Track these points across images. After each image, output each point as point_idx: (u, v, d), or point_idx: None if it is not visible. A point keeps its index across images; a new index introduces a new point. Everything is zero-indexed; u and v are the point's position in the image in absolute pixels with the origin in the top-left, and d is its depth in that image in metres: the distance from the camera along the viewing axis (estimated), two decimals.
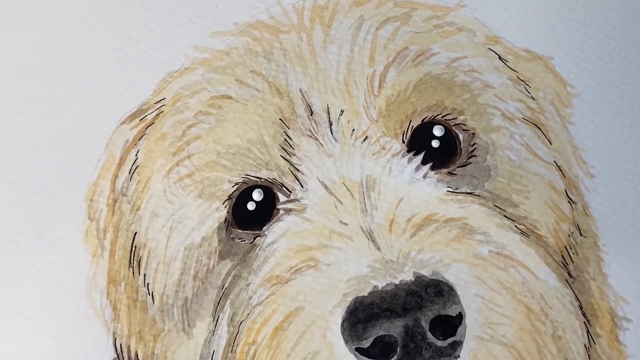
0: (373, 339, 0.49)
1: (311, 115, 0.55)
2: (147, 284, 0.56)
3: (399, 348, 0.49)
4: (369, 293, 0.50)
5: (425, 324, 0.49)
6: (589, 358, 0.55)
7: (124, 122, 0.58)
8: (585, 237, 0.57)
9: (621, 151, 0.60)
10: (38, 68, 0.62)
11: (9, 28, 0.63)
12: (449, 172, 0.55)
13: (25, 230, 0.59)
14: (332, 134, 0.55)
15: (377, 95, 0.55)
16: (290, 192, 0.54)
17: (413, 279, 0.50)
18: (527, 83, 0.58)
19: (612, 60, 0.61)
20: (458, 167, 0.55)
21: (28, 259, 0.59)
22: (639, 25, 0.62)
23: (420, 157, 0.54)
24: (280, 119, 0.55)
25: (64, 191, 0.59)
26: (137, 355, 0.57)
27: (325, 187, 0.53)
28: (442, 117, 0.55)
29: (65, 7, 0.63)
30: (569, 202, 0.57)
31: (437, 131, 0.55)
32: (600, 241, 0.57)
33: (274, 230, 0.54)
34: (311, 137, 0.55)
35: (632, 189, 0.59)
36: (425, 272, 0.50)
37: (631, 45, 0.62)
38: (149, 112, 0.58)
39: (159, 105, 0.57)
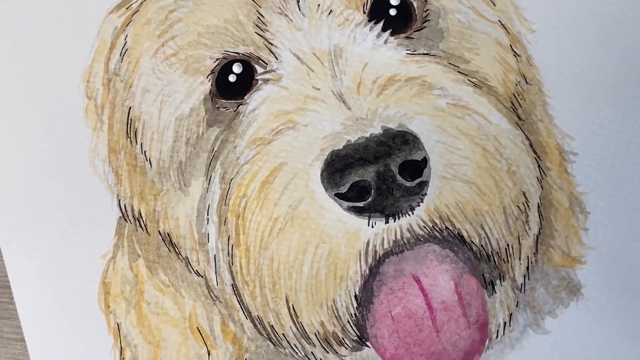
0: (350, 184, 0.53)
1: None
2: (144, 151, 0.61)
3: (372, 190, 0.54)
4: (344, 146, 0.54)
5: (394, 169, 0.54)
6: (542, 188, 0.60)
7: (112, 12, 0.62)
8: (531, 84, 0.61)
9: (557, 6, 0.63)
10: None
11: None
12: (406, 37, 0.59)
13: (30, 111, 0.63)
14: (300, 10, 0.58)
15: None
16: (267, 64, 0.58)
17: (381, 132, 0.55)
18: None
19: None
20: (414, 31, 0.59)
21: (33, 134, 0.63)
22: None
23: (380, 25, 0.58)
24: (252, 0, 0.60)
25: (64, 75, 0.62)
26: (140, 213, 0.62)
27: (298, 57, 0.57)
28: None
29: None
30: (514, 55, 0.60)
31: (394, 0, 0.59)
32: (544, 87, 0.61)
33: (254, 99, 0.58)
34: (281, 14, 0.58)
35: (570, 38, 0.62)
36: (392, 125, 0.55)
37: None
38: (134, 1, 0.61)
39: None
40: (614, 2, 0.64)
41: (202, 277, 0.61)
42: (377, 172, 0.54)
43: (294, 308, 0.57)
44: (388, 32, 0.58)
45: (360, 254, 0.55)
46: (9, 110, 0.64)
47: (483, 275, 0.58)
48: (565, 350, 0.63)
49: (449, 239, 0.56)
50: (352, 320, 0.56)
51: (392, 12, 0.59)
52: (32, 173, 0.64)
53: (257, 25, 0.59)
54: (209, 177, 0.60)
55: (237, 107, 0.59)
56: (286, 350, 0.60)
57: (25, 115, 0.64)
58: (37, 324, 0.63)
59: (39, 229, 0.63)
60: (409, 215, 0.55)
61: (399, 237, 0.55)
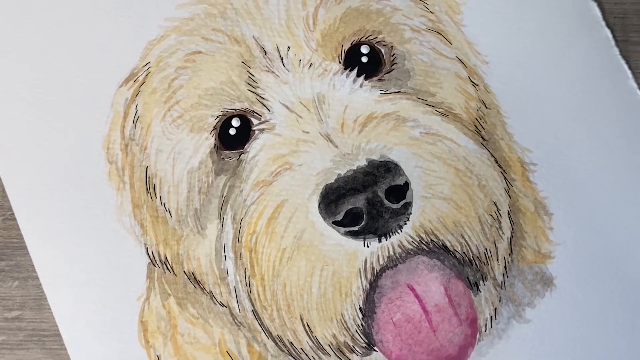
0: (344, 212, 0.58)
1: (265, 55, 0.63)
2: (164, 203, 0.65)
3: (364, 215, 0.58)
4: (335, 180, 0.59)
5: (381, 194, 0.58)
6: (510, 197, 0.64)
7: (121, 85, 0.66)
8: (490, 109, 0.66)
9: (506, 39, 0.68)
10: (49, 52, 0.69)
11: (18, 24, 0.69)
12: (378, 79, 0.64)
13: (59, 180, 0.67)
14: (284, 66, 0.63)
15: (313, 31, 0.63)
16: (260, 115, 0.62)
17: (366, 163, 0.59)
18: (424, 2, 0.67)
19: None
20: (385, 74, 0.64)
21: (64, 199, 0.67)
22: None
23: (355, 71, 0.62)
24: (242, 62, 0.63)
25: (86, 144, 0.67)
26: (166, 257, 0.66)
27: (287, 107, 0.62)
28: (365, 38, 0.64)
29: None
30: (472, 85, 0.65)
31: (364, 49, 0.63)
32: (502, 110, 0.66)
33: (253, 147, 0.62)
34: (269, 71, 0.63)
35: (519, 66, 0.67)
36: (375, 157, 0.59)
37: None
38: (140, 74, 0.66)
39: (146, 68, 0.65)
40: (557, 33, 0.69)
41: (226, 307, 0.64)
42: (366, 199, 0.58)
43: (308, 325, 0.60)
44: (362, 77, 0.63)
45: (360, 272, 0.59)
46: (41, 179, 0.67)
47: (468, 277, 0.62)
48: (546, 335, 0.66)
49: (435, 249, 0.60)
50: (359, 329, 0.60)
51: (364, 59, 0.63)
52: (67, 237, 0.68)
53: (248, 84, 0.63)
54: (222, 220, 0.63)
55: (239, 155, 0.63)
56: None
57: (56, 183, 0.68)
58: None
59: (80, 284, 0.66)
60: (398, 233, 0.59)
61: (391, 253, 0.59)
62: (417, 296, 0.60)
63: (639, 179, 0.69)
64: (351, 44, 0.63)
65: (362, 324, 0.60)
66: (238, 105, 0.63)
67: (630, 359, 0.66)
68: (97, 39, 0.69)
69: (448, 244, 0.61)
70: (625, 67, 0.70)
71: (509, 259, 0.64)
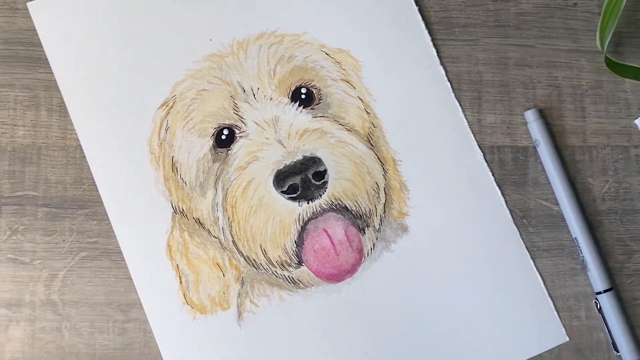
0: (287, 186, 0.72)
1: (244, 92, 0.76)
2: (182, 178, 0.76)
3: (299, 188, 0.72)
4: (283, 167, 0.72)
5: (310, 176, 0.72)
6: (385, 179, 0.77)
7: (159, 108, 0.78)
8: (376, 127, 0.78)
9: (386, 88, 0.79)
10: (116, 83, 0.78)
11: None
12: (311, 108, 0.76)
13: (122, 163, 0.78)
14: (255, 99, 0.76)
15: (273, 78, 0.76)
16: (240, 128, 0.75)
17: (302, 158, 0.73)
18: (340, 64, 0.79)
19: (377, 47, 0.79)
20: (315, 105, 0.77)
21: (124, 174, 0.78)
22: (396, 34, 0.79)
23: (297, 103, 0.76)
24: (230, 96, 0.76)
25: (135, 144, 0.78)
26: (182, 209, 0.77)
27: (256, 123, 0.75)
28: (304, 84, 0.77)
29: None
30: (367, 113, 0.78)
31: (303, 90, 0.77)
32: (383, 128, 0.78)
33: (235, 146, 0.75)
34: (246, 102, 0.76)
35: (394, 104, 0.79)
36: (307, 154, 0.73)
37: (383, 38, 0.79)
38: (169, 102, 0.77)
39: (173, 98, 0.77)
40: (417, 87, 0.79)
41: (216, 238, 0.76)
42: (301, 179, 0.72)
43: (264, 250, 0.75)
44: (301, 106, 0.76)
45: (295, 221, 0.73)
46: (111, 162, 0.77)
47: (358, 225, 0.76)
48: (404, 261, 0.77)
49: (339, 209, 0.74)
50: (294, 253, 0.74)
51: (303, 96, 0.77)
52: (125, 196, 0.77)
53: (234, 109, 0.76)
54: (216, 188, 0.75)
55: (227, 151, 0.75)
56: (261, 270, 0.76)
57: (120, 165, 0.78)
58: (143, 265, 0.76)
59: (131, 222, 0.77)
60: (319, 198, 0.73)
61: (314, 210, 0.74)
62: (328, 235, 0.74)
63: (461, 168, 0.79)
64: (295, 87, 0.76)
65: (295, 250, 0.74)
66: (227, 122, 0.75)
67: (454, 275, 0.77)
68: (145, 78, 0.78)
69: (348, 206, 0.74)
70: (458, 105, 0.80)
71: (383, 215, 0.77)
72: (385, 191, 0.77)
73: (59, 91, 0.78)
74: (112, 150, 0.78)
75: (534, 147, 0.80)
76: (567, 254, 0.79)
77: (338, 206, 0.74)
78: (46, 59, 0.78)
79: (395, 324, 0.75)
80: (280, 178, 0.73)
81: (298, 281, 0.76)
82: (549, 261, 0.79)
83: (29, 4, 0.79)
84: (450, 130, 0.78)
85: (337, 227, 0.75)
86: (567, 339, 0.78)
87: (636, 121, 0.80)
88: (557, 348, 0.78)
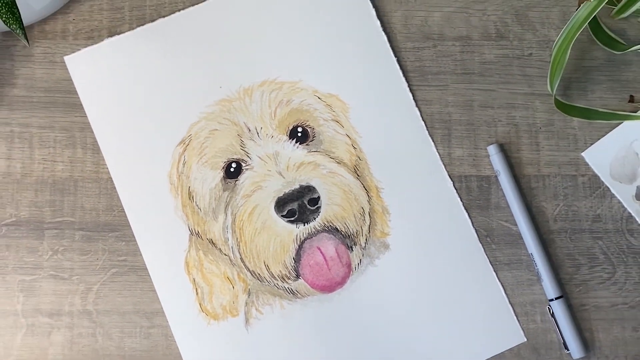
0: (287, 210, 0.78)
1: (249, 131, 0.82)
2: (197, 204, 0.82)
3: (297, 212, 0.78)
4: (283, 194, 0.79)
5: (305, 202, 0.78)
6: (370, 205, 0.82)
7: (177, 145, 0.84)
8: (362, 160, 0.83)
9: (372, 124, 0.83)
10: (141, 122, 0.83)
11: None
12: (306, 144, 0.82)
13: (145, 191, 0.83)
14: (259, 137, 0.82)
15: (274, 119, 0.82)
16: (246, 162, 0.81)
17: (299, 187, 0.79)
18: (331, 106, 0.84)
19: (362, 92, 0.83)
20: (310, 141, 0.82)
21: (147, 201, 0.82)
22: (378, 81, 0.83)
23: (294, 140, 0.82)
24: (237, 134, 0.82)
25: (157, 177, 0.83)
26: (198, 231, 0.82)
27: (260, 158, 0.81)
28: (300, 123, 0.83)
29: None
30: (354, 148, 0.83)
31: (300, 129, 0.83)
32: (368, 161, 0.83)
33: (242, 177, 0.81)
34: (251, 139, 0.82)
35: (377, 139, 0.83)
36: (303, 183, 0.80)
37: (368, 84, 0.84)
38: (187, 140, 0.83)
39: (190, 137, 0.83)
40: (390, 122, 0.83)
41: (226, 256, 0.81)
42: (298, 204, 0.78)
43: (267, 265, 0.80)
44: (298, 143, 0.82)
45: (294, 240, 0.79)
46: (136, 191, 0.81)
47: (347, 244, 0.81)
48: (386, 276, 0.81)
49: (331, 230, 0.80)
50: (292, 268, 0.80)
51: (299, 134, 0.83)
52: (149, 220, 0.82)
53: (240, 146, 0.82)
54: (225, 214, 0.81)
55: (235, 182, 0.81)
56: (265, 283, 0.81)
57: (144, 193, 0.82)
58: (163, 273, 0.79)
59: (155, 246, 0.81)
60: (313, 221, 0.79)
61: (310, 231, 0.79)
62: (321, 252, 0.80)
63: (434, 195, 0.83)
64: (293, 126, 0.83)
65: (294, 265, 0.80)
66: (235, 157, 0.82)
67: (429, 285, 0.80)
68: (165, 120, 0.84)
69: (338, 227, 0.80)
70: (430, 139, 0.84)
71: (368, 235, 0.82)
72: (369, 214, 0.82)
73: (92, 132, 0.84)
74: (138, 182, 0.83)
75: (496, 177, 0.85)
76: (525, 267, 0.84)
77: (330, 227, 0.80)
78: (81, 105, 0.84)
79: (378, 328, 0.80)
80: (281, 204, 0.80)
81: (296, 292, 0.81)
82: (509, 273, 0.84)
83: (65, 58, 0.84)
84: (425, 162, 0.84)
85: (329, 245, 0.81)
86: (525, 339, 0.83)
87: (583, 154, 0.85)
88: (517, 347, 0.83)
